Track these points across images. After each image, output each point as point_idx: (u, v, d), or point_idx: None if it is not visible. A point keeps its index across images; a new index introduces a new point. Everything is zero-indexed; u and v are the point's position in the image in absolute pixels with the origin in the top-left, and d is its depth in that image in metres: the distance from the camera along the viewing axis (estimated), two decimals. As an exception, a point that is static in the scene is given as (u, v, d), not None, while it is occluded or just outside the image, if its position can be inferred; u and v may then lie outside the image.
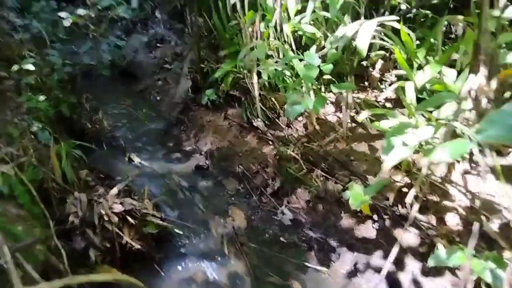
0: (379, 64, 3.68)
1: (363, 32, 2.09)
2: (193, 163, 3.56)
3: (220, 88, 3.66)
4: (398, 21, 2.17)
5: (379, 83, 3.78)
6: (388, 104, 3.60)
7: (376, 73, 3.70)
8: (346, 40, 2.31)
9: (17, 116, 2.94)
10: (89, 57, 5.21)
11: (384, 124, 2.13)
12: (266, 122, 3.46)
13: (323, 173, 2.91)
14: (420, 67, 2.29)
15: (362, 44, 2.08)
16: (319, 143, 3.23)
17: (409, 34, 2.15)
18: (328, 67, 2.58)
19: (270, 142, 3.35)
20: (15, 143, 2.54)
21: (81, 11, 4.29)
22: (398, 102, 3.58)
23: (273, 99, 3.44)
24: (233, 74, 3.50)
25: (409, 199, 2.43)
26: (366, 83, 3.81)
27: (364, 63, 3.68)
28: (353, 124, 3.36)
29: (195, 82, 4.21)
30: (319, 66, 2.61)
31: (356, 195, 2.34)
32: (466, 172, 2.60)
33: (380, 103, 3.57)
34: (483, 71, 1.57)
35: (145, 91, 5.12)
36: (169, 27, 6.42)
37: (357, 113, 3.48)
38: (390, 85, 3.81)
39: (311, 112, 3.01)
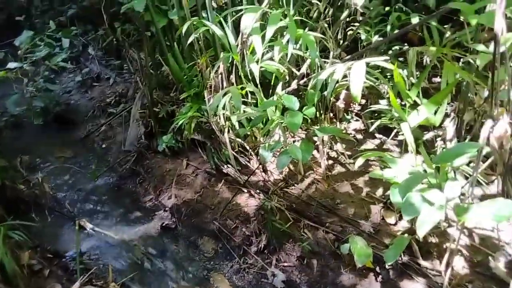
0: (343, 94, 3.59)
1: (356, 76, 1.91)
2: (158, 222, 3.12)
3: (183, 134, 3.29)
4: (396, 57, 2.03)
5: (345, 114, 3.69)
6: (359, 136, 3.50)
7: (340, 104, 3.60)
8: (333, 82, 2.12)
9: None
10: (15, 105, 4.52)
11: (388, 173, 1.94)
12: (237, 167, 3.15)
13: (311, 223, 2.67)
14: (414, 105, 2.17)
15: (356, 89, 1.90)
16: (298, 186, 3.00)
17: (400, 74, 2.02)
18: (311, 111, 2.37)
19: (245, 190, 3.04)
20: None
21: (12, 65, 3.70)
22: (367, 133, 3.50)
23: (243, 142, 3.15)
24: (195, 119, 3.16)
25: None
26: (331, 114, 3.68)
27: (325, 93, 3.57)
28: (329, 161, 3.19)
29: (148, 128, 3.79)
30: (301, 110, 2.39)
31: (360, 250, 2.12)
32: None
33: (351, 135, 3.45)
34: (506, 118, 1.44)
35: (87, 139, 4.55)
36: (105, 63, 5.91)
37: (331, 148, 3.32)
38: (356, 115, 3.75)
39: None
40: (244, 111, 2.65)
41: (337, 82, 2.35)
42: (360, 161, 2.17)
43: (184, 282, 2.62)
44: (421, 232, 1.48)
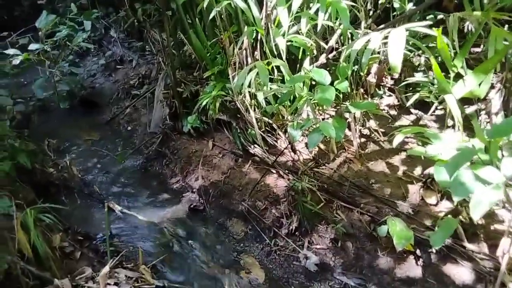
0: (374, 68, 3.37)
1: (394, 44, 1.73)
2: (186, 204, 3.08)
3: (208, 114, 3.20)
4: (431, 27, 1.83)
5: (376, 89, 3.48)
6: (393, 112, 3.31)
7: (371, 79, 3.39)
8: (369, 52, 1.95)
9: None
10: (42, 90, 4.53)
11: (431, 150, 1.78)
12: (265, 147, 3.03)
13: (344, 204, 2.54)
14: (456, 77, 1.97)
15: (395, 59, 1.72)
16: (330, 165, 2.86)
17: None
18: (344, 85, 2.21)
19: (274, 171, 2.94)
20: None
21: (33, 46, 3.68)
22: (402, 109, 3.30)
23: (270, 121, 3.03)
24: (220, 98, 3.05)
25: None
26: (362, 90, 3.48)
27: (355, 67, 3.36)
28: (362, 139, 3.03)
29: (173, 109, 3.72)
30: (332, 84, 2.24)
31: (400, 233, 1.99)
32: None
33: (384, 111, 3.26)
34: None
35: (112, 122, 4.55)
36: (128, 46, 5.86)
37: (363, 125, 3.15)
38: (389, 89, 3.54)
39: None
40: (270, 88, 2.51)
41: (372, 52, 2.16)
42: (398, 139, 2.00)
43: (214, 264, 2.57)
44: (476, 215, 1.34)
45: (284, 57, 2.68)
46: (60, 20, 4.87)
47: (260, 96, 2.73)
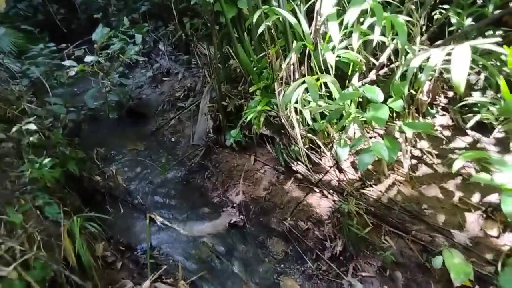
0: (427, 86, 3.20)
1: (459, 62, 1.60)
2: (226, 219, 3.04)
3: (251, 129, 3.16)
4: (500, 44, 1.69)
5: (428, 108, 3.30)
6: (446, 132, 3.11)
7: (424, 97, 3.21)
8: (428, 69, 1.82)
9: (18, 188, 2.44)
10: (94, 100, 4.73)
11: (499, 178, 1.61)
12: (308, 165, 2.94)
13: (393, 230, 2.38)
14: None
15: (460, 77, 1.59)
16: (378, 187, 2.72)
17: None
18: (398, 104, 2.09)
19: (317, 190, 2.83)
20: (16, 232, 2.03)
21: (89, 58, 3.86)
22: (457, 130, 3.09)
23: (315, 138, 2.94)
24: (264, 113, 3.01)
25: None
26: (412, 108, 3.30)
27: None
28: (413, 161, 2.86)
29: (217, 122, 3.73)
30: (385, 102, 2.12)
31: (458, 267, 1.81)
32: None
33: (437, 131, 3.07)
34: None
35: (157, 133, 4.64)
36: (174, 58, 6.03)
37: (414, 146, 2.98)
38: (442, 109, 3.34)
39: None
40: (319, 105, 2.43)
41: (433, 69, 2.03)
42: (458, 164, 1.84)
43: (253, 284, 2.49)
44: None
45: (332, 72, 2.60)
46: (113, 33, 5.11)
47: (307, 113, 2.67)
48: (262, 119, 3.01)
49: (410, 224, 2.39)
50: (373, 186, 2.72)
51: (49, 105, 3.86)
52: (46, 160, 2.75)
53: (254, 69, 3.12)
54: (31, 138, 2.85)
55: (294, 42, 2.73)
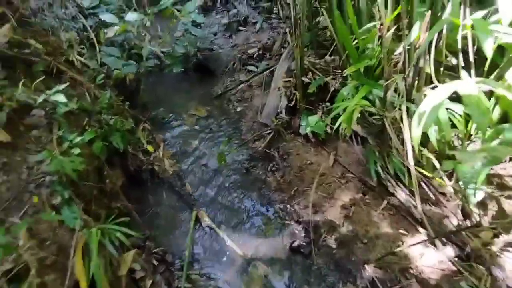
0: None
1: None
2: (287, 239, 2.35)
3: (336, 121, 2.32)
4: None
5: None
6: None
7: None
8: None
9: (35, 178, 1.96)
10: (158, 44, 4.13)
11: None
12: (415, 189, 2.06)
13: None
14: None
15: None
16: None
17: None
18: None
19: (421, 230, 1.98)
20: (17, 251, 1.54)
21: (131, 17, 3.19)
22: None
23: (428, 155, 2.02)
24: (361, 108, 2.12)
25: None
26: None
27: None
28: None
29: (292, 101, 2.91)
30: None
31: None
32: None
33: None
34: None
35: (223, 97, 3.97)
36: (254, 5, 5.15)
37: None
38: None
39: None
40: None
41: None
42: None
43: None
44: None
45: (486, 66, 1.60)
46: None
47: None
48: (355, 116, 2.13)
49: None
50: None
51: (100, 57, 3.33)
52: (79, 138, 2.23)
53: (355, 42, 2.18)
54: (66, 107, 2.33)
55: (427, 11, 1.73)
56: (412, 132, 1.91)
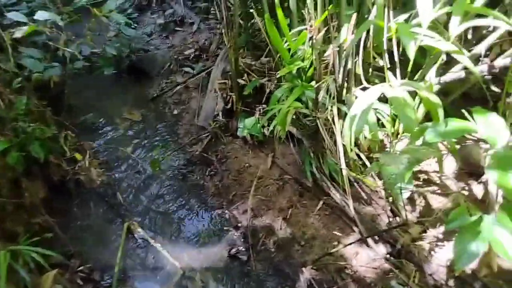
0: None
1: None
2: (225, 246, 2.27)
3: (271, 122, 2.29)
4: None
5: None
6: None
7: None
8: None
9: None
10: (87, 46, 3.83)
11: None
12: (347, 188, 2.08)
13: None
14: None
15: None
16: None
17: None
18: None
19: (356, 229, 2.01)
20: None
21: (42, 15, 2.90)
22: None
23: (359, 153, 2.06)
24: (294, 109, 2.10)
25: None
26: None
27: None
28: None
29: (229, 104, 2.85)
30: None
31: None
32: None
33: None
34: None
35: (159, 100, 3.79)
36: (191, 5, 5.01)
37: None
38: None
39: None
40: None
41: None
42: None
43: None
44: None
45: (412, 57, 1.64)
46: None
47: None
48: (289, 118, 2.11)
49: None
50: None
51: (19, 58, 3.01)
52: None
53: (285, 44, 2.16)
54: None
55: (354, 13, 1.74)
56: (343, 136, 1.93)
